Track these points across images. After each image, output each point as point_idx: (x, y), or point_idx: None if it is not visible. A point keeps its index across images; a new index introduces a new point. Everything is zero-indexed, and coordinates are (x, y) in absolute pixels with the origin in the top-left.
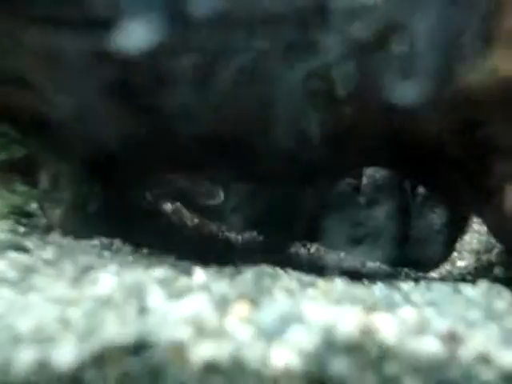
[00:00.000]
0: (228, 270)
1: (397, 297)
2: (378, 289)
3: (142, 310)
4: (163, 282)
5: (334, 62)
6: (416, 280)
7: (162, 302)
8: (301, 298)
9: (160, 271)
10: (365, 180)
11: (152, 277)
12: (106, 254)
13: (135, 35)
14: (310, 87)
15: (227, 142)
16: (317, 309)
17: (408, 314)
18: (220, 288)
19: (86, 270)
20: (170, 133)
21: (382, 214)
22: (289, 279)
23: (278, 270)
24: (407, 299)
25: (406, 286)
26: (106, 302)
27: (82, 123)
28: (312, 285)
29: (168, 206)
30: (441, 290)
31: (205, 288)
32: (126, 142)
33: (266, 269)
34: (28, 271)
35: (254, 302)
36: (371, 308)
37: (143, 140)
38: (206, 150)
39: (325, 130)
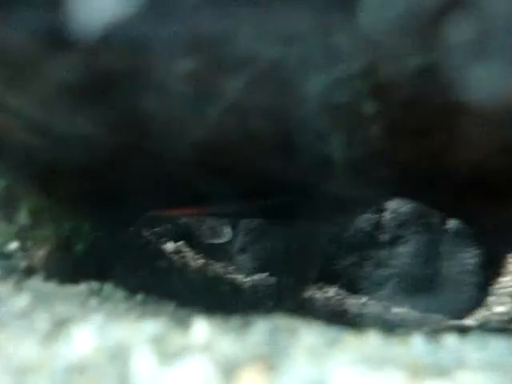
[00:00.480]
0: (235, 320)
1: (445, 356)
2: (419, 344)
3: (125, 379)
4: (155, 340)
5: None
6: (462, 330)
7: (151, 368)
8: (327, 360)
9: (153, 325)
10: (387, 215)
11: (142, 333)
12: (93, 301)
13: (99, 9)
14: (331, 101)
15: (231, 169)
16: (349, 374)
17: (467, 381)
18: (226, 347)
19: (63, 323)
20: (160, 158)
21: (407, 252)
22: (310, 333)
23: (295, 322)
24: (459, 360)
25: (451, 339)
26: (79, 369)
27: (53, 146)
28: (339, 340)
29: (170, 246)
30: (496, 346)
31: (207, 347)
32: (110, 169)
33: (281, 320)
34: None
35: (270, 367)
36: (418, 373)
37: (129, 167)
38: (206, 179)
39: (348, 154)
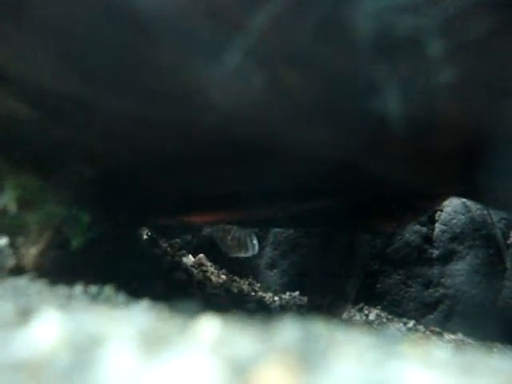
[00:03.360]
0: (256, 322)
1: None
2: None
3: (87, 379)
4: (142, 333)
5: None
6: None
7: (128, 364)
8: (390, 359)
9: (145, 318)
10: (438, 227)
11: (128, 325)
12: (83, 300)
13: None
14: (387, 37)
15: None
16: (426, 377)
17: None
18: (240, 343)
19: (27, 313)
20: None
21: (462, 270)
22: (356, 338)
23: (336, 325)
24: None
25: None
26: (27, 366)
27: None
28: (396, 345)
29: (189, 259)
30: None
31: (214, 342)
32: (141, 155)
33: (316, 322)
34: None
35: (303, 366)
36: None
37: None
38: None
39: (406, 115)
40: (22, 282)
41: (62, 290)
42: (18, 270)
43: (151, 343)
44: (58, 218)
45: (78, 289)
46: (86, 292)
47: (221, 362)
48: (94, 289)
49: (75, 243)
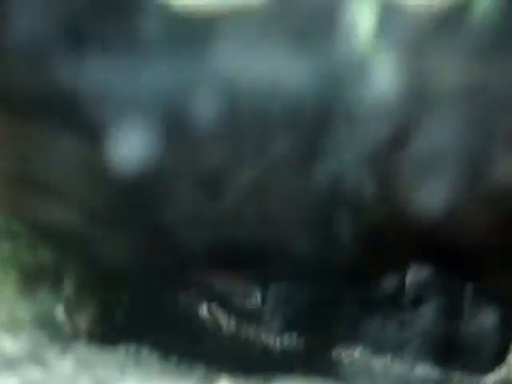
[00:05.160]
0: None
1: None
2: None
3: None
4: None
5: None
6: None
7: None
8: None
9: None
10: (409, 278)
11: None
12: (130, 364)
13: None
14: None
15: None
16: None
17: None
18: None
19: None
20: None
21: (429, 313)
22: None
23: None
24: None
25: None
26: None
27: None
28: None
29: (203, 309)
30: None
31: None
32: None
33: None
34: None
35: None
36: None
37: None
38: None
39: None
40: (81, 347)
41: (116, 353)
42: (74, 336)
43: None
44: (106, 302)
45: (121, 350)
46: (127, 353)
47: None
48: (132, 349)
49: (118, 317)
